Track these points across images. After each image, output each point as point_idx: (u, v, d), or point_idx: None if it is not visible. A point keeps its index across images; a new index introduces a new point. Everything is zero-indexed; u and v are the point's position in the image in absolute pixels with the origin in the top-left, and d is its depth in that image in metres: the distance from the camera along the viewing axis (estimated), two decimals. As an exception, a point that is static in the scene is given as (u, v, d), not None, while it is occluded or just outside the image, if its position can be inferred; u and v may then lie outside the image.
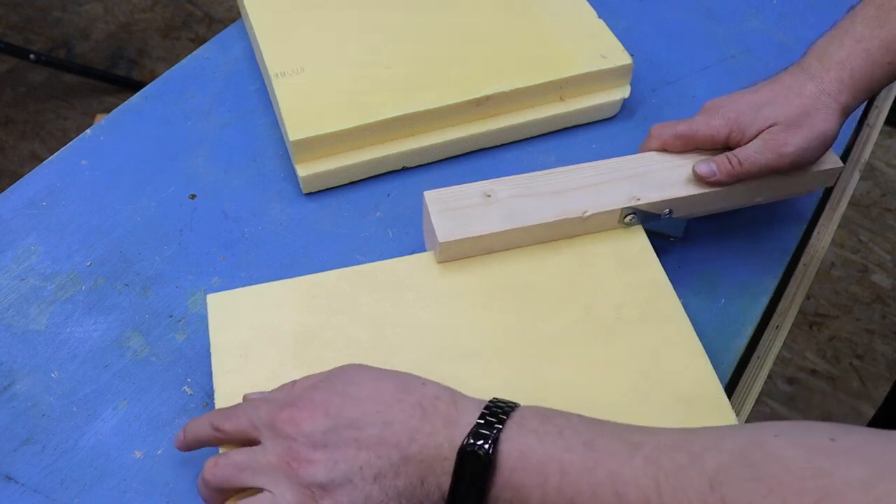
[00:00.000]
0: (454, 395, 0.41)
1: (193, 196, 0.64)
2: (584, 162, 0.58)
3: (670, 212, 0.57)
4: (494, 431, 0.38)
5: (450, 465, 0.38)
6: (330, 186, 0.65)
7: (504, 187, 0.56)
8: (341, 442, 0.39)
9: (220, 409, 0.45)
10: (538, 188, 0.56)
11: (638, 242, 0.56)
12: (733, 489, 0.32)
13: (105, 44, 1.98)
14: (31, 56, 1.71)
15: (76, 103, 1.86)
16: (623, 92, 0.70)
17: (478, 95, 0.65)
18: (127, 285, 0.58)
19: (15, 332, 0.56)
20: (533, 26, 0.71)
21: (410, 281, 0.54)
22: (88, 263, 0.60)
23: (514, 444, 0.38)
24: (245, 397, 0.46)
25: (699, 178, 0.56)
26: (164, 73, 0.74)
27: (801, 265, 0.64)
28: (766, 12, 0.82)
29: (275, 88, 0.65)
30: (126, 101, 0.71)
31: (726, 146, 0.56)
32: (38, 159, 1.66)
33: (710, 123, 0.56)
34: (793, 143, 0.53)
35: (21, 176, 0.65)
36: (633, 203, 0.55)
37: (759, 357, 0.59)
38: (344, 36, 0.70)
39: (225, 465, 0.41)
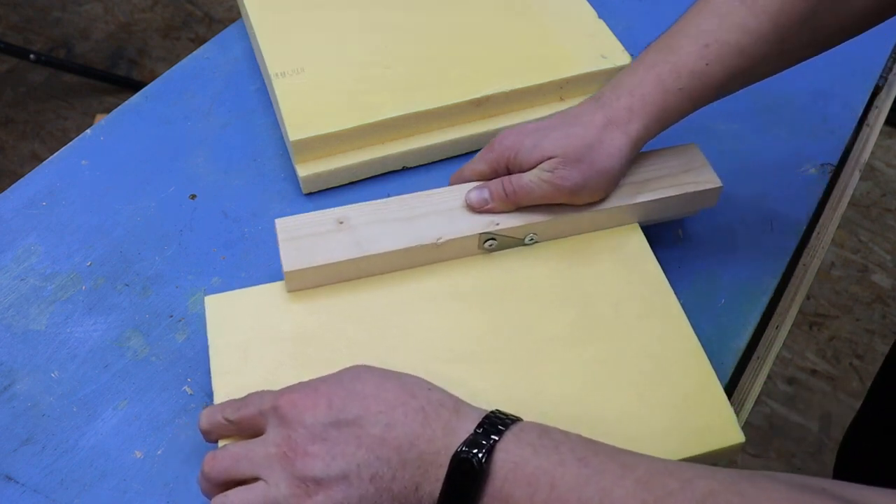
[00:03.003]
0: (458, 404, 0.41)
1: (193, 196, 0.64)
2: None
3: (534, 237, 0.55)
4: (491, 441, 0.38)
5: (444, 473, 0.38)
6: (330, 186, 0.65)
7: (358, 213, 0.54)
8: (341, 438, 0.39)
9: (232, 401, 0.45)
10: (392, 214, 0.54)
11: (635, 241, 0.56)
12: None
13: (105, 44, 1.98)
14: (31, 56, 1.71)
15: (76, 103, 1.86)
16: (623, 92, 0.69)
17: (477, 95, 0.65)
18: (127, 285, 0.58)
19: (15, 332, 0.56)
20: (533, 26, 0.71)
21: (410, 281, 0.54)
22: (88, 263, 0.60)
23: (509, 455, 0.38)
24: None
25: (471, 208, 0.54)
26: (164, 73, 0.74)
27: (801, 265, 0.64)
28: (766, 12, 0.81)
29: (275, 88, 0.65)
30: (126, 101, 0.71)
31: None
32: (38, 159, 1.66)
33: (485, 158, 0.56)
34: (570, 178, 0.52)
35: (21, 176, 0.65)
36: (491, 228, 0.53)
37: (759, 357, 0.59)
38: (344, 36, 0.70)
39: (223, 458, 0.42)
